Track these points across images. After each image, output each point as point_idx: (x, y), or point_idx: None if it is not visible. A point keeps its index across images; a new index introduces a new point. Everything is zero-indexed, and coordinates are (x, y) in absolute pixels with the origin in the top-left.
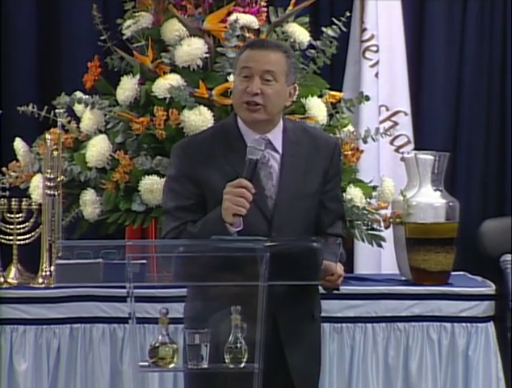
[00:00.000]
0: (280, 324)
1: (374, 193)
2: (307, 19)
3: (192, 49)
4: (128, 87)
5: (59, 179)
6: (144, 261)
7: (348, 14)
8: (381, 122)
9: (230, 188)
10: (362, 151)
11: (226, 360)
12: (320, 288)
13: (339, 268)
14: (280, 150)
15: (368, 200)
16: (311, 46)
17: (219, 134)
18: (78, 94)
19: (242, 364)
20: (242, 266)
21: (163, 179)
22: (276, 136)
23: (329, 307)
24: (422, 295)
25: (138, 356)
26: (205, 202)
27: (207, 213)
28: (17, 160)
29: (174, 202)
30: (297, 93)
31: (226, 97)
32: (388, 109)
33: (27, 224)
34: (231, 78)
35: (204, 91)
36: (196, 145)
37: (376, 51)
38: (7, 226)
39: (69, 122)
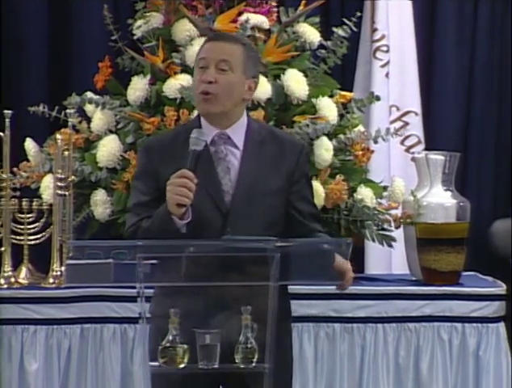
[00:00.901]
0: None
1: (384, 193)
2: (317, 19)
3: None
4: (138, 87)
5: (70, 179)
6: (155, 261)
7: (359, 14)
8: (392, 122)
9: (172, 179)
10: (372, 151)
11: (236, 360)
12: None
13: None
14: (241, 147)
15: (379, 200)
16: (321, 46)
17: (182, 132)
18: (89, 94)
19: (253, 364)
20: (246, 266)
21: None
22: (237, 132)
23: (340, 307)
24: (433, 295)
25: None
26: (163, 198)
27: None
28: (28, 160)
29: (135, 199)
30: (307, 93)
31: None
32: (398, 109)
33: (37, 224)
34: None
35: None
36: (158, 142)
37: (387, 51)
38: (18, 226)
39: (80, 122)
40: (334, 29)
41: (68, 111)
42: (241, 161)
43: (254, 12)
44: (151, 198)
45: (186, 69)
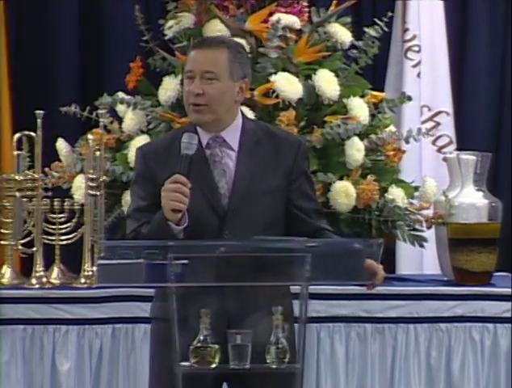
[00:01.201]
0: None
1: (416, 193)
2: (349, 20)
3: None
4: (169, 88)
5: (101, 179)
6: (186, 261)
7: (390, 14)
8: (423, 122)
9: (166, 185)
10: (404, 151)
11: (268, 361)
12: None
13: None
14: (236, 149)
15: (410, 200)
16: (353, 46)
17: (177, 137)
18: (120, 94)
19: (285, 365)
20: (275, 266)
21: None
22: (232, 134)
23: (371, 308)
24: (465, 296)
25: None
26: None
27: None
28: (59, 160)
29: (134, 204)
30: (338, 93)
31: (268, 97)
32: (430, 109)
33: (69, 224)
34: (273, 78)
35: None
36: (154, 146)
37: (418, 51)
38: (50, 226)
39: (112, 122)
40: (366, 29)
41: (99, 111)
42: (237, 162)
43: (286, 12)
44: (149, 203)
45: None
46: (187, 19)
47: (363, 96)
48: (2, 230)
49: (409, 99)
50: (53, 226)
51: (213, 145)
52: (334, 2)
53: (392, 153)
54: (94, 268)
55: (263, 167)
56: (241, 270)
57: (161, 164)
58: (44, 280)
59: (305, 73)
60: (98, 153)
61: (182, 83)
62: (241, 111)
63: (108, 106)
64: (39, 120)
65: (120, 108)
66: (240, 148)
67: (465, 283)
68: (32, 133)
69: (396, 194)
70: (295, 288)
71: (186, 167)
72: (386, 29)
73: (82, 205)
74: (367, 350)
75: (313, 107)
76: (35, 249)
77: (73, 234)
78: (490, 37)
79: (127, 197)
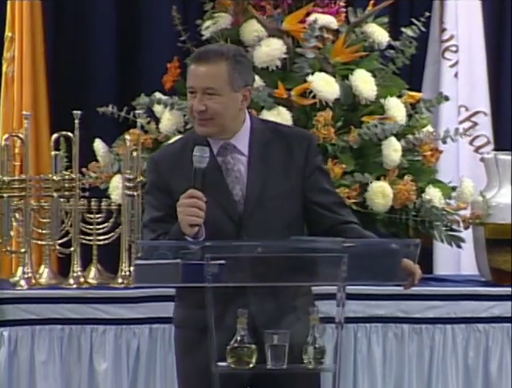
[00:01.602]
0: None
1: (453, 194)
2: (386, 20)
3: (271, 50)
4: None
5: (138, 179)
6: (223, 261)
7: (427, 14)
8: (461, 122)
9: (182, 200)
10: (441, 152)
11: (305, 361)
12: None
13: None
14: (247, 153)
15: (447, 200)
16: (390, 46)
17: (188, 144)
18: (158, 94)
19: (322, 365)
20: (311, 267)
21: None
22: (241, 139)
23: (409, 308)
24: (502, 296)
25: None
26: (176, 212)
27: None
28: (97, 161)
29: (149, 215)
30: (375, 93)
31: (305, 97)
32: (467, 109)
33: (106, 224)
34: (310, 78)
35: (283, 92)
36: (166, 155)
37: (456, 51)
38: (87, 227)
39: (149, 123)
40: (403, 29)
41: (136, 111)
42: (248, 168)
43: (323, 12)
44: (164, 213)
45: (254, 70)
46: (224, 20)
47: (400, 96)
48: (40, 231)
49: (447, 99)
50: (91, 226)
51: (224, 153)
52: (372, 2)
53: (429, 153)
54: (132, 268)
55: (275, 170)
56: (277, 270)
57: (174, 172)
58: (82, 280)
59: (342, 74)
60: (135, 153)
61: None
62: (248, 112)
63: (145, 106)
64: (76, 121)
65: (157, 109)
66: (250, 152)
67: (502, 283)
68: (70, 134)
69: (433, 194)
70: (331, 289)
71: (200, 181)
72: (423, 29)
73: (119, 205)
74: (405, 350)
75: (350, 108)
76: (72, 249)
77: (111, 234)
78: None
79: None
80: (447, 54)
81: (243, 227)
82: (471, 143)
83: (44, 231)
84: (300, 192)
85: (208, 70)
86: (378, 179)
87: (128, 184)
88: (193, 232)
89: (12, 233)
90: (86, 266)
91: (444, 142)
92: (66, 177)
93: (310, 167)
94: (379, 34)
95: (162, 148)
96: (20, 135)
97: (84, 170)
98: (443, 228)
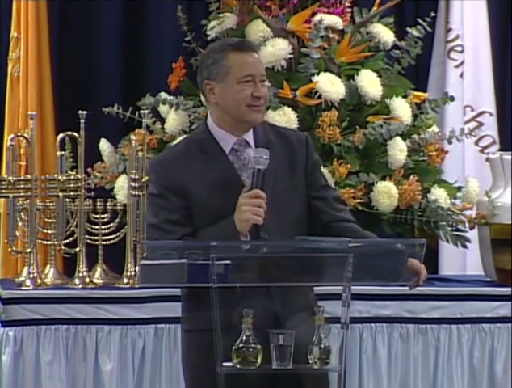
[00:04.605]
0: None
1: (458, 194)
2: (391, 20)
3: (276, 50)
4: None
5: (144, 179)
6: (229, 262)
7: (433, 14)
8: (466, 122)
9: (248, 200)
10: (446, 152)
11: (310, 361)
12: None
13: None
14: (254, 147)
15: (453, 200)
16: (395, 46)
17: (192, 145)
18: (163, 95)
19: (327, 365)
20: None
21: None
22: (250, 136)
23: (414, 308)
24: (508, 296)
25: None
26: (191, 214)
27: (193, 226)
28: (102, 161)
29: (163, 216)
30: (381, 93)
31: (310, 98)
32: (473, 110)
33: (112, 224)
34: (315, 78)
35: (288, 92)
36: (173, 158)
37: (461, 51)
38: (92, 227)
39: (154, 123)
40: (408, 29)
41: (142, 111)
42: None
43: (328, 12)
44: (181, 216)
45: None
46: (230, 20)
47: (405, 96)
48: (46, 231)
49: (452, 99)
50: (96, 226)
51: (239, 149)
52: (377, 3)
53: (434, 153)
54: (137, 268)
55: (281, 166)
56: (282, 270)
57: (186, 176)
58: (87, 280)
59: (348, 74)
60: (140, 153)
61: None
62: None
63: (151, 106)
64: (82, 121)
65: (163, 109)
66: (256, 147)
67: (508, 283)
68: (75, 134)
69: (438, 194)
70: (335, 289)
71: (260, 182)
72: (429, 29)
73: (125, 205)
74: (410, 351)
75: (356, 108)
76: (77, 249)
77: (116, 235)
78: None
79: None
80: (453, 54)
81: (262, 226)
82: (476, 143)
83: (49, 231)
84: (304, 188)
85: (257, 58)
86: (383, 179)
87: (133, 184)
88: (247, 230)
89: (18, 233)
90: (91, 266)
91: (450, 142)
92: (72, 177)
93: (311, 163)
94: (384, 34)
95: (165, 151)
96: (26, 135)
97: (89, 170)
98: (449, 228)
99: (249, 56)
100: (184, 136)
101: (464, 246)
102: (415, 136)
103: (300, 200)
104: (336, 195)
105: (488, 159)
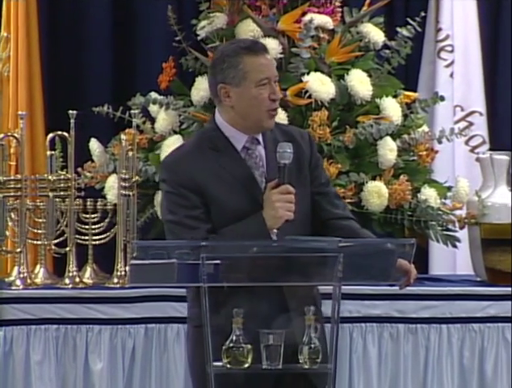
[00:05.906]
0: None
1: (449, 194)
2: (382, 20)
3: None
4: (202, 88)
5: (134, 179)
6: (219, 261)
7: (423, 14)
8: (456, 122)
9: (280, 196)
10: (436, 151)
11: (300, 361)
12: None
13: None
14: (262, 145)
15: (443, 200)
16: (385, 46)
17: (203, 143)
18: (153, 94)
19: (317, 365)
20: (306, 266)
21: None
22: (259, 134)
23: (404, 308)
24: (498, 296)
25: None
26: (209, 211)
27: (212, 222)
28: (92, 160)
29: (184, 212)
30: (371, 93)
31: (301, 97)
32: (463, 109)
33: (102, 224)
34: (305, 78)
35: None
36: (185, 156)
37: (451, 51)
38: (82, 226)
39: (144, 122)
40: (398, 29)
41: (132, 111)
42: (266, 158)
43: (318, 12)
44: (201, 212)
45: None
46: (220, 20)
47: (395, 96)
48: (36, 230)
49: (442, 99)
50: (86, 226)
51: (251, 147)
52: (367, 2)
53: (424, 153)
54: (127, 268)
55: (290, 162)
56: (273, 270)
57: (200, 173)
58: (77, 279)
59: (338, 73)
60: (130, 153)
61: None
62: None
63: (141, 106)
64: (72, 121)
65: (153, 108)
66: (265, 145)
67: (498, 283)
68: (65, 134)
69: (428, 194)
70: (327, 289)
71: (287, 177)
72: (419, 29)
73: (115, 205)
74: (400, 350)
75: (346, 108)
76: (68, 249)
77: (106, 234)
78: None
79: (159, 197)
80: (443, 54)
81: None
82: (466, 143)
83: (39, 231)
84: (309, 184)
85: (270, 59)
86: (373, 178)
87: (123, 184)
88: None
89: (8, 233)
90: (81, 266)
91: (440, 142)
92: (62, 177)
93: (315, 159)
94: (374, 34)
95: (175, 149)
96: (16, 135)
97: (79, 170)
98: (439, 228)
99: (263, 58)
100: (175, 136)
101: (454, 246)
102: (405, 136)
103: (307, 195)
104: (335, 191)
105: (478, 159)
